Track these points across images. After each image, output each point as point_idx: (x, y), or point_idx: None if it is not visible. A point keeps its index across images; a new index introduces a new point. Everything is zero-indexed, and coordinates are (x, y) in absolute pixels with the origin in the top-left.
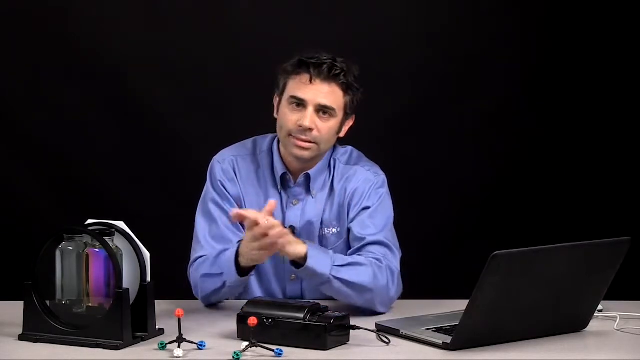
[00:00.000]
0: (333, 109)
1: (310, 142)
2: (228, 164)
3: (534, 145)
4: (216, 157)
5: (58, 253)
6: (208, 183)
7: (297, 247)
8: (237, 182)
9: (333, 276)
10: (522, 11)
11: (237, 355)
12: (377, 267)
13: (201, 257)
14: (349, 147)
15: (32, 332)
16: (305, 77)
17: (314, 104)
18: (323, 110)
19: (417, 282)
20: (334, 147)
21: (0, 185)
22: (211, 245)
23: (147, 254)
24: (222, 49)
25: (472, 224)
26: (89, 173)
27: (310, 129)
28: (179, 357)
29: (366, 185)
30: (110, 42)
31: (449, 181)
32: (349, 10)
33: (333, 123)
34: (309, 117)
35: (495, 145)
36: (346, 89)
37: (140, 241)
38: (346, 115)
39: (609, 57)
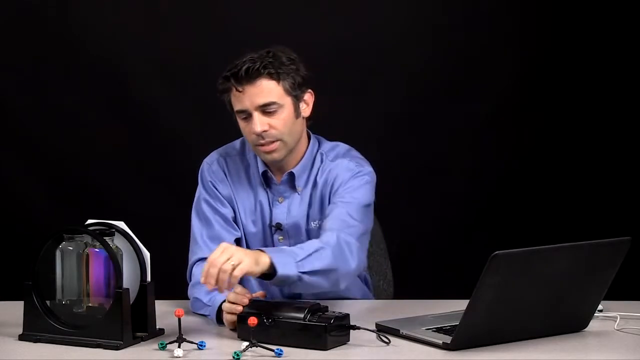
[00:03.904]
0: (274, 102)
1: (272, 141)
2: (217, 165)
3: (534, 145)
4: (205, 159)
5: (58, 253)
6: (199, 185)
7: (261, 259)
8: (227, 182)
9: (301, 272)
10: (522, 11)
11: (237, 355)
12: (335, 246)
13: (201, 259)
14: (338, 143)
15: (32, 332)
16: (233, 89)
17: (254, 108)
18: (266, 107)
19: (417, 282)
20: (319, 141)
21: (0, 185)
22: (209, 246)
23: (147, 254)
24: (222, 49)
25: (473, 224)
26: (89, 173)
27: (265, 131)
28: (179, 357)
29: (347, 174)
30: (110, 42)
31: (449, 181)
32: (348, 10)
33: (284, 113)
34: (257, 122)
35: (495, 145)
36: (276, 76)
37: (140, 241)
38: (296, 97)
39: (608, 57)
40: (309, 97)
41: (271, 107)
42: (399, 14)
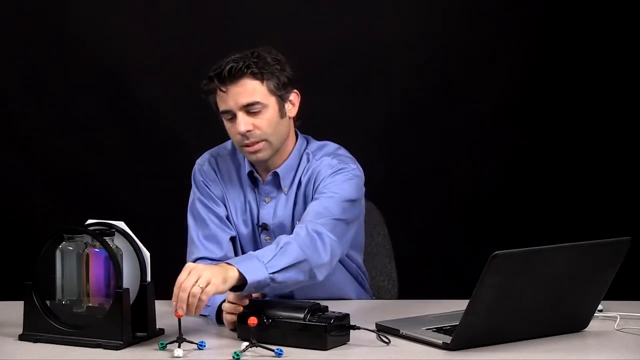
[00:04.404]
0: (257, 102)
1: (257, 142)
2: (208, 165)
3: (534, 145)
4: (197, 160)
5: (58, 253)
6: (193, 186)
7: (228, 275)
8: (219, 182)
9: (271, 273)
10: (522, 11)
11: (237, 355)
12: (303, 237)
13: (199, 259)
14: (327, 142)
15: (32, 332)
16: (217, 89)
17: (238, 108)
18: (250, 107)
19: (417, 282)
20: (307, 141)
21: (0, 185)
22: (205, 246)
23: (147, 254)
24: (222, 49)
25: (472, 224)
26: (89, 173)
27: (249, 131)
28: (179, 357)
29: (328, 170)
30: (110, 42)
31: (449, 181)
32: (348, 10)
33: (268, 113)
34: (241, 122)
35: (496, 145)
36: (260, 75)
37: (140, 241)
38: (280, 97)
39: (608, 57)
40: (294, 97)
41: (255, 107)
42: (399, 14)
